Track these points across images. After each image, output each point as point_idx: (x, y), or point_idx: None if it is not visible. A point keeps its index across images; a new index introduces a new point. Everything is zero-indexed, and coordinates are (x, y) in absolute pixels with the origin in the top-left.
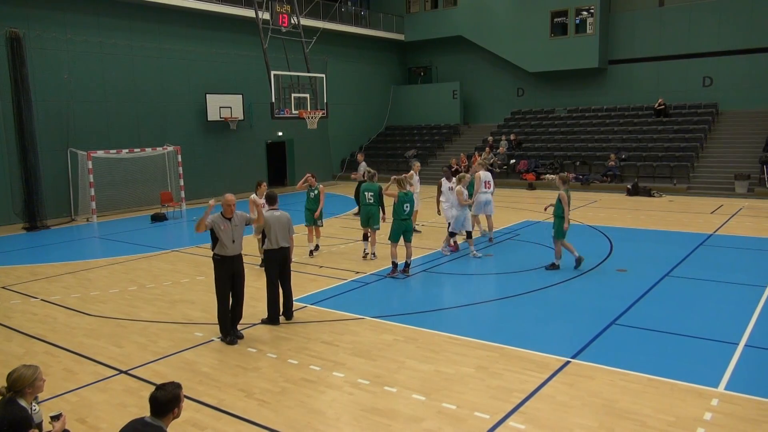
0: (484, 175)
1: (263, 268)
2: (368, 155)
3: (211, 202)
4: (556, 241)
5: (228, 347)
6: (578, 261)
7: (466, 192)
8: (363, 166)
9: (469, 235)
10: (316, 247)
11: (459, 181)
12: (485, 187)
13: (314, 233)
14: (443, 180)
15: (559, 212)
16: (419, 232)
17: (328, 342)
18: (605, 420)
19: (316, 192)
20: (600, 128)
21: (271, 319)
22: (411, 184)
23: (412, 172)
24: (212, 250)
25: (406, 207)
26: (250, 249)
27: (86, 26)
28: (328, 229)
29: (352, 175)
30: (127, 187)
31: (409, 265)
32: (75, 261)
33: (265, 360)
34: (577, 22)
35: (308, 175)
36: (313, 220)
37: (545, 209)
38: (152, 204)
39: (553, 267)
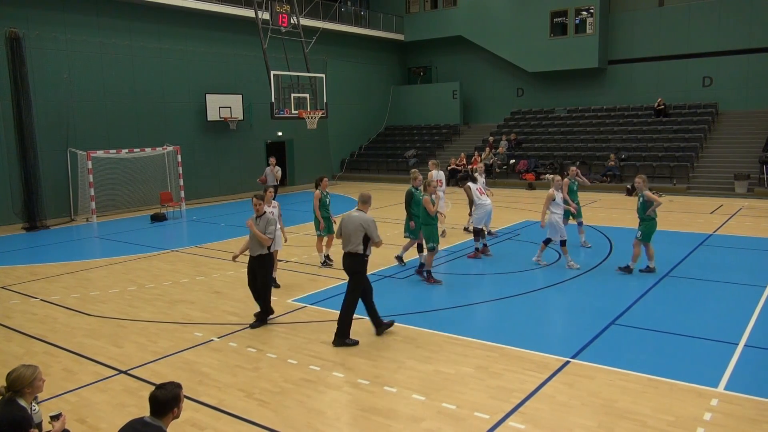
0: (437, 174)
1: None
2: (368, 155)
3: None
4: (646, 244)
5: (227, 347)
6: (627, 269)
7: (559, 195)
8: (277, 171)
9: (563, 243)
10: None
11: (553, 183)
12: (438, 185)
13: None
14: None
15: (643, 214)
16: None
17: (328, 342)
18: (605, 420)
19: (329, 197)
20: (600, 128)
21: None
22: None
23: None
24: (365, 252)
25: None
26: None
27: (86, 26)
28: None
29: (260, 180)
30: (126, 187)
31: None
32: (74, 261)
33: (265, 360)
34: (577, 22)
35: (325, 178)
36: (332, 228)
37: (648, 212)
38: (152, 204)
39: (649, 270)
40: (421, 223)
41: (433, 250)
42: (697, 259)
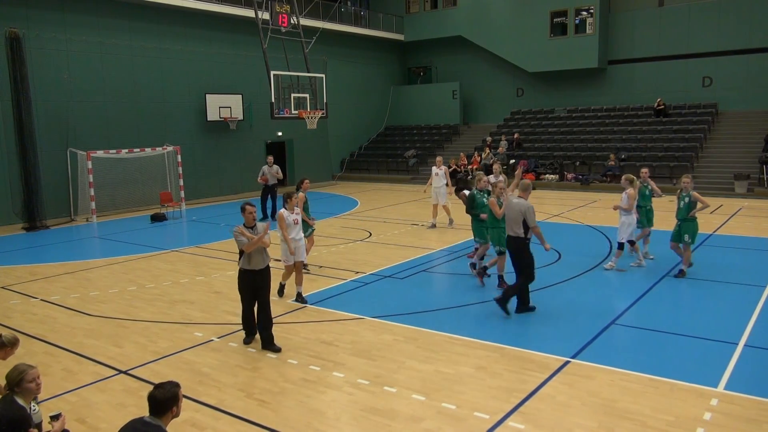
0: (437, 169)
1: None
2: (368, 155)
3: None
4: (687, 246)
5: (227, 347)
6: (682, 274)
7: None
8: (275, 169)
9: (631, 243)
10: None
11: (630, 184)
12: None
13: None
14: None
15: (686, 214)
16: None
17: (328, 342)
18: (605, 420)
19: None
20: (600, 128)
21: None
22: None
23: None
24: (527, 236)
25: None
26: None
27: (86, 26)
28: (328, 229)
29: (260, 179)
30: (126, 187)
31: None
32: (74, 261)
33: (265, 360)
34: (577, 22)
35: (306, 180)
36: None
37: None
38: (152, 204)
39: (682, 274)
40: (488, 227)
41: (502, 254)
42: (697, 259)
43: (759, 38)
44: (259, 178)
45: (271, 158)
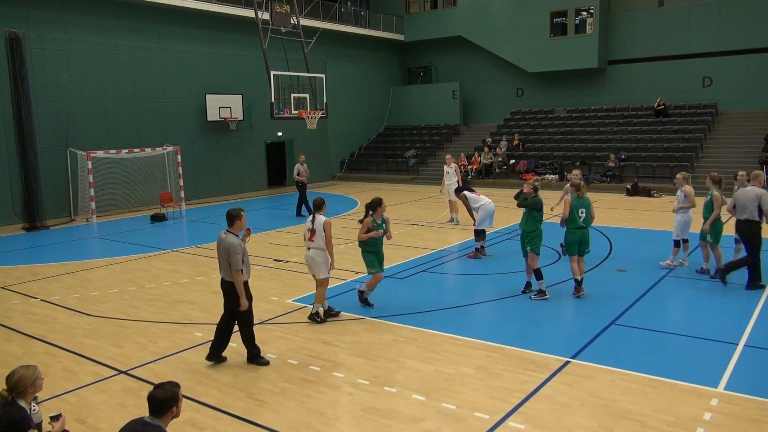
0: (447, 167)
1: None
2: (368, 155)
3: None
4: (715, 246)
5: (227, 347)
6: (722, 274)
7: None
8: (305, 168)
9: (677, 243)
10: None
11: (687, 182)
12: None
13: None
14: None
15: (709, 214)
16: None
17: (328, 342)
18: (605, 420)
19: (383, 227)
20: (600, 128)
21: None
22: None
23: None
24: (760, 219)
25: (582, 213)
26: None
27: (86, 26)
28: None
29: (295, 176)
30: (126, 187)
31: (579, 282)
32: (74, 261)
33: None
34: (577, 22)
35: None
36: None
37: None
38: (152, 204)
39: (724, 277)
40: (575, 227)
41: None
42: (698, 258)
43: (759, 38)
44: (296, 175)
45: (303, 156)
